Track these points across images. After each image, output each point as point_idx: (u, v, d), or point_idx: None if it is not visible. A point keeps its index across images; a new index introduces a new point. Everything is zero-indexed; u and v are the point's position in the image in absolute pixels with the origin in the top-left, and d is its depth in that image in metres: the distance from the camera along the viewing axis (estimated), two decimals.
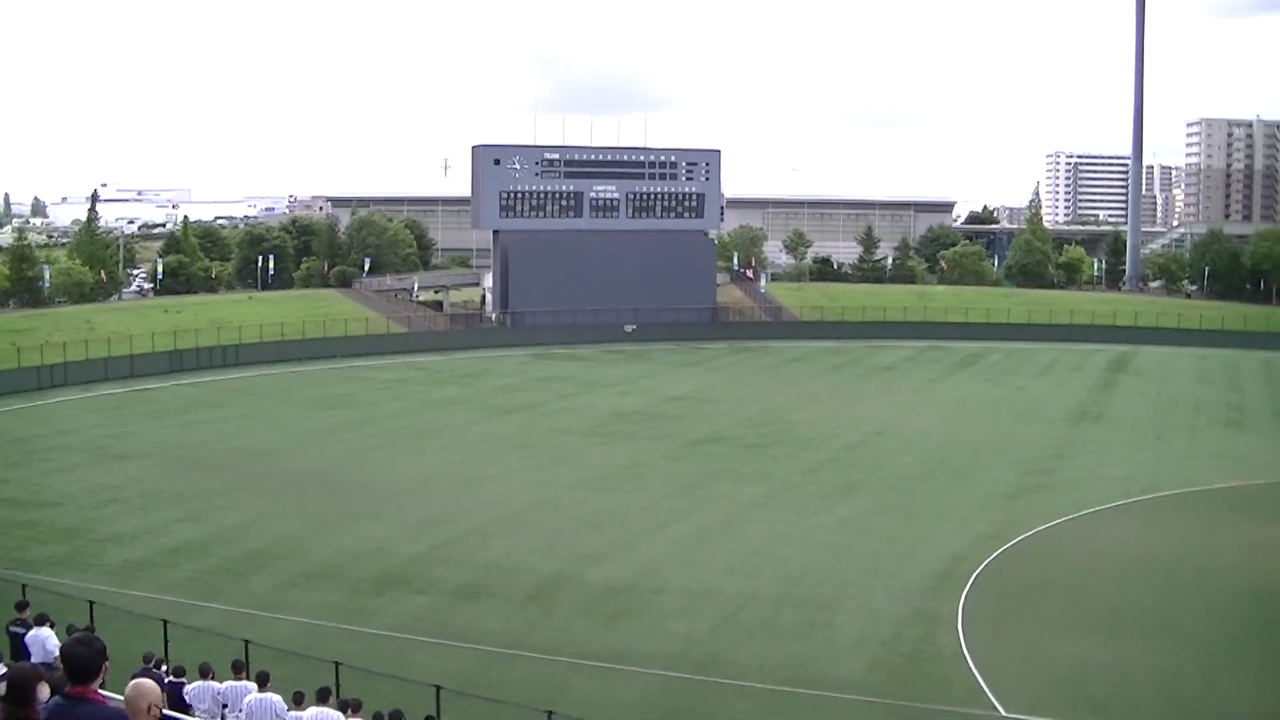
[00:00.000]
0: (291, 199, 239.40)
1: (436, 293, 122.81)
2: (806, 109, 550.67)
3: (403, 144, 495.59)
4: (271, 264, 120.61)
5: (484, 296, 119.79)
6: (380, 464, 55.65)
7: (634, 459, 57.95)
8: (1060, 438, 65.25)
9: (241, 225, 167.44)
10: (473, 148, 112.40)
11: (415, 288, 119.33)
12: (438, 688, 22.95)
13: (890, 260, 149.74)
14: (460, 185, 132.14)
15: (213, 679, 21.49)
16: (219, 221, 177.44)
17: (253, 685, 20.94)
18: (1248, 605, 37.27)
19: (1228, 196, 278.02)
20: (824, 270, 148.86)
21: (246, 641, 24.91)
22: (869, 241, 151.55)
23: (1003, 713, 28.25)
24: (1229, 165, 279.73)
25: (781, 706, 28.73)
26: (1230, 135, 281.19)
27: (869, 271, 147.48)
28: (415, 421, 67.30)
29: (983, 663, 31.02)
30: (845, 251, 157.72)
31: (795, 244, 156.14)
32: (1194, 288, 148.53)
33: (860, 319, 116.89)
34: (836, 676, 30.27)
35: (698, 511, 47.44)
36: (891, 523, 45.96)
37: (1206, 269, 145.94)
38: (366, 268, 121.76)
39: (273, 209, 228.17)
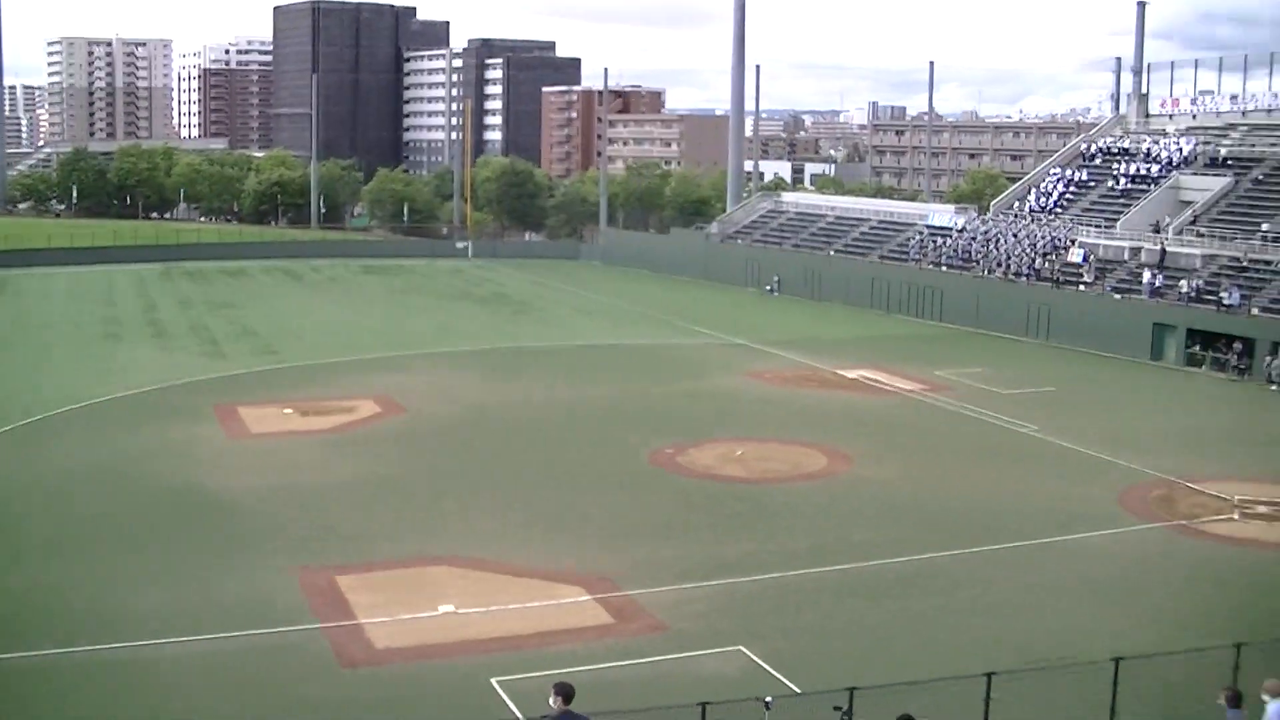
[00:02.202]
0: None
1: None
2: None
3: None
4: None
5: None
6: None
7: None
8: None
9: None
10: None
11: None
12: None
13: None
14: None
15: None
16: None
17: None
18: (165, 502, 37.16)
19: (91, 114, 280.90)
20: None
21: None
22: None
23: None
24: (91, 83, 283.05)
25: None
26: (91, 54, 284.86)
27: None
28: None
29: None
30: None
31: None
32: (62, 206, 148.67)
33: None
34: None
35: None
36: None
37: (74, 187, 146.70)
38: None
39: None
